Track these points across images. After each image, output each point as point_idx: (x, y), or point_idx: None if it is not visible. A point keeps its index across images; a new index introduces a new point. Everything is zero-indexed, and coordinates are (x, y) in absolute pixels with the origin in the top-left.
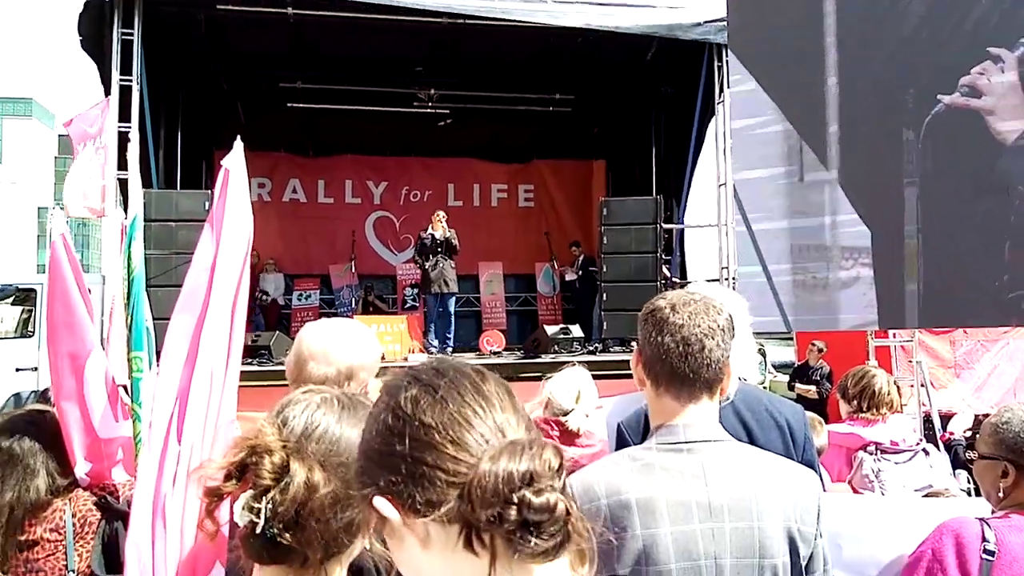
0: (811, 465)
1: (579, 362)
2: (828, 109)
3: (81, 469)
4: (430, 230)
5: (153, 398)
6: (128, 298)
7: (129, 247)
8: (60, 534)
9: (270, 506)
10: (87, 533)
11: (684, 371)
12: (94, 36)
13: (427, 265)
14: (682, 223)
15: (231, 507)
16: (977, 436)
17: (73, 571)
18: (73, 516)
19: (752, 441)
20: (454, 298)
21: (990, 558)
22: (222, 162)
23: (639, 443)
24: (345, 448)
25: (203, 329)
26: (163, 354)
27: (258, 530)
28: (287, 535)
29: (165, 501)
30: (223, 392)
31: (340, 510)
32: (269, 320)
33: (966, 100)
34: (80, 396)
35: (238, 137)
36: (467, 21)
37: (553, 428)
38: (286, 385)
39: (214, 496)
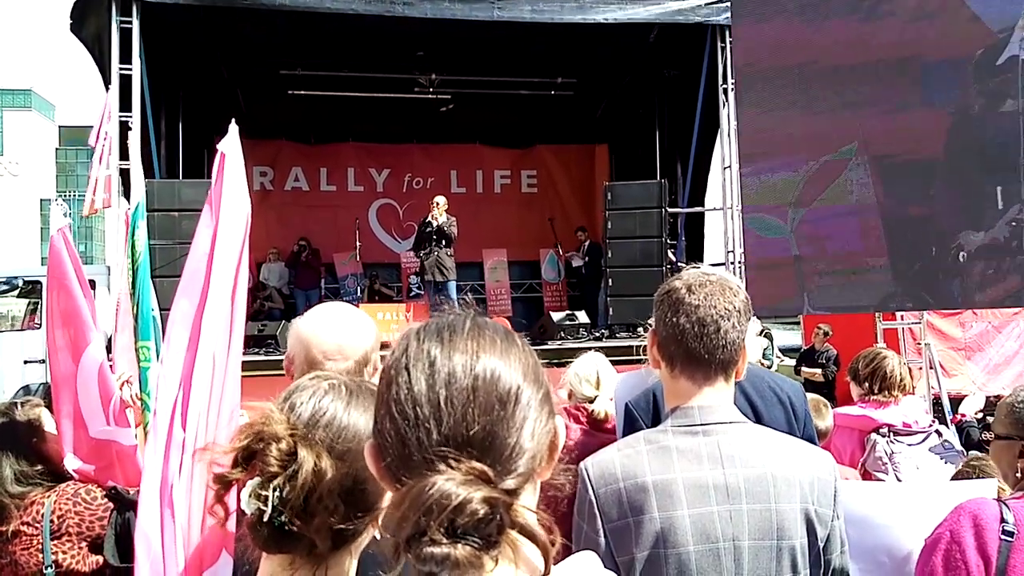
0: (811, 440)
1: (586, 348)
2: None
3: (71, 463)
4: (429, 217)
5: (157, 386)
6: (133, 287)
7: (133, 236)
8: (36, 528)
9: (277, 493)
10: (67, 532)
11: (700, 352)
12: (90, 24)
13: (422, 253)
14: (686, 207)
15: (238, 495)
16: (992, 417)
17: (50, 566)
18: (52, 512)
19: (758, 418)
20: (454, 284)
21: (1009, 539)
22: (218, 146)
23: (649, 424)
24: (353, 435)
25: (204, 314)
26: (165, 341)
27: (265, 518)
28: (296, 523)
29: (172, 489)
30: (226, 377)
31: (348, 497)
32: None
33: None
34: (74, 389)
35: (232, 120)
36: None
37: (582, 414)
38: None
39: (222, 483)
